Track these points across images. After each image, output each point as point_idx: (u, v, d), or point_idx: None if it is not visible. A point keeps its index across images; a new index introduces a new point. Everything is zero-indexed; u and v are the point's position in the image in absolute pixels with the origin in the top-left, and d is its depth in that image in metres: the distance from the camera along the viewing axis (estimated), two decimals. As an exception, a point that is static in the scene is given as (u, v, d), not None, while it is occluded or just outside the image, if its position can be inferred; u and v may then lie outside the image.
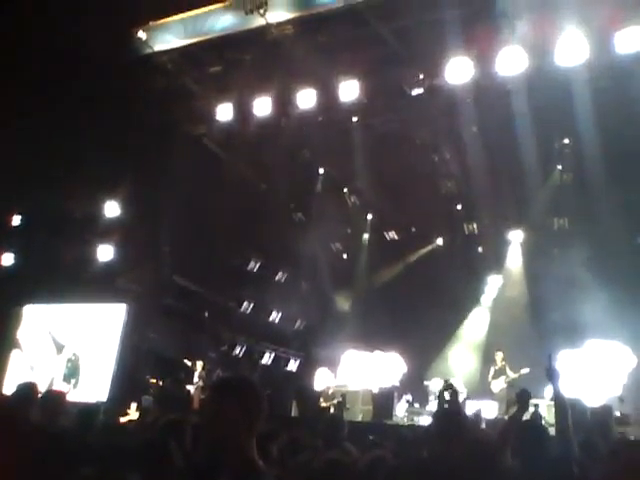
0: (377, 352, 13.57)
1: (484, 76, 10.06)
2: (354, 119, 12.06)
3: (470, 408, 10.24)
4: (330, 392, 12.15)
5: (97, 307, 12.52)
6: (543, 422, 7.46)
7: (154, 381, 12.48)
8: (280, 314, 16.42)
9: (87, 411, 5.03)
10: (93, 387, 11.64)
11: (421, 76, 10.56)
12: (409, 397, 12.37)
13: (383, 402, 11.50)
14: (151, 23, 11.37)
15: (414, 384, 13.05)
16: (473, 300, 16.00)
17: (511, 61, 9.60)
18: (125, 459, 3.37)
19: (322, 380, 13.32)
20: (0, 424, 3.78)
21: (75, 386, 11.98)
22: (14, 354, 12.77)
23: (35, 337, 12.77)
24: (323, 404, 11.75)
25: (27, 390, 4.45)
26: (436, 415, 4.66)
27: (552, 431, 4.08)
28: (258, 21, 10.44)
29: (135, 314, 12.23)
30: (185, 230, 12.53)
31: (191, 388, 12.31)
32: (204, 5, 10.88)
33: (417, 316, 14.64)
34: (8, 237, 13.61)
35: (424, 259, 16.39)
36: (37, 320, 12.93)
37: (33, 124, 11.25)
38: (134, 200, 12.65)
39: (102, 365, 11.89)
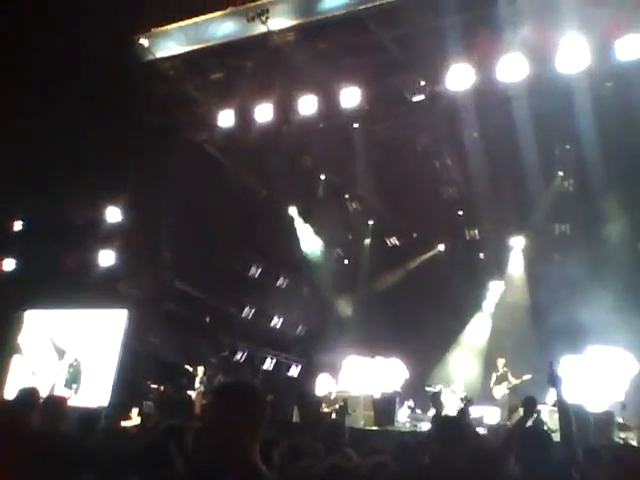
0: (378, 358, 13.54)
1: (485, 82, 10.07)
2: (355, 125, 12.10)
3: (472, 414, 10.22)
4: (332, 398, 12.13)
5: (98, 312, 12.51)
6: (545, 428, 7.45)
7: (155, 386, 12.47)
8: (281, 320, 16.42)
9: (88, 416, 5.03)
10: (94, 392, 11.62)
11: (422, 83, 10.57)
12: (411, 403, 12.36)
13: (385, 408, 11.48)
14: (153, 30, 11.42)
15: (416, 390, 13.02)
16: (474, 306, 15.99)
17: (512, 68, 9.62)
18: (126, 464, 3.37)
19: (323, 386, 13.29)
20: (1, 429, 3.78)
21: (76, 392, 11.97)
22: (15, 359, 12.76)
23: (36, 342, 12.77)
24: (325, 409, 11.73)
25: (28, 395, 4.44)
26: (435, 420, 4.66)
27: (554, 437, 4.08)
28: (259, 28, 10.48)
29: (136, 319, 12.22)
30: (186, 235, 12.55)
31: (192, 393, 12.30)
32: (206, 12, 10.93)
33: (418, 322, 14.62)
34: (9, 242, 13.62)
35: (425, 265, 16.39)
36: (38, 325, 12.92)
37: (34, 128, 11.28)
38: (135, 205, 12.66)
39: (103, 370, 11.88)
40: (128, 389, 11.66)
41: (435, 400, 5.98)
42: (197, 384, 12.39)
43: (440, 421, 4.42)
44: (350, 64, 10.89)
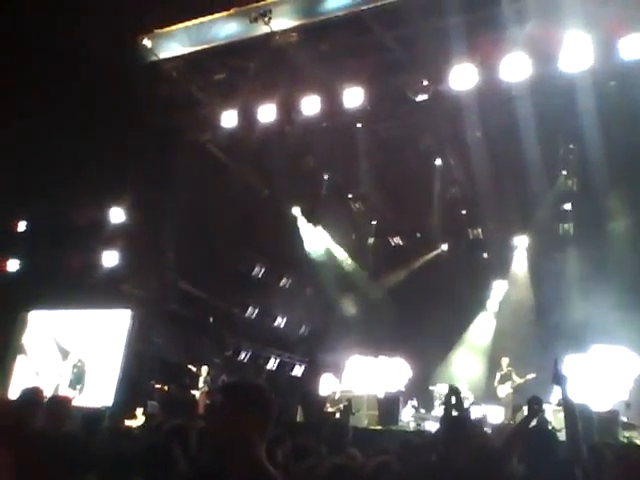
0: (382, 357, 13.55)
1: (488, 82, 10.05)
2: (358, 125, 12.09)
3: (476, 413, 10.21)
4: (336, 397, 12.13)
5: (102, 313, 12.54)
6: (550, 427, 7.44)
7: (159, 386, 12.49)
8: (285, 319, 16.41)
9: (92, 416, 5.06)
10: (98, 392, 11.66)
11: (425, 82, 10.55)
12: (415, 402, 12.34)
13: (389, 407, 11.47)
14: (156, 31, 11.44)
15: (419, 389, 13.02)
16: (478, 305, 15.97)
17: (515, 67, 9.60)
18: (129, 464, 3.37)
19: (327, 385, 13.30)
20: (5, 429, 3.79)
21: (81, 392, 12.00)
22: (19, 360, 12.80)
23: (40, 343, 12.81)
24: (329, 409, 11.73)
25: (32, 395, 4.45)
26: (443, 420, 4.65)
27: (559, 436, 4.07)
28: (262, 29, 10.49)
29: (140, 320, 12.25)
30: (189, 236, 12.56)
31: (196, 393, 12.32)
32: (209, 13, 10.94)
33: (422, 321, 14.61)
34: (13, 243, 13.66)
35: (429, 264, 16.37)
36: (42, 326, 12.96)
37: (36, 128, 11.31)
38: (139, 206, 12.68)
39: (107, 371, 11.90)
40: (132, 389, 11.68)
41: (453, 399, 5.28)
42: (201, 384, 12.41)
43: (447, 421, 4.42)
44: (353, 64, 10.89)
